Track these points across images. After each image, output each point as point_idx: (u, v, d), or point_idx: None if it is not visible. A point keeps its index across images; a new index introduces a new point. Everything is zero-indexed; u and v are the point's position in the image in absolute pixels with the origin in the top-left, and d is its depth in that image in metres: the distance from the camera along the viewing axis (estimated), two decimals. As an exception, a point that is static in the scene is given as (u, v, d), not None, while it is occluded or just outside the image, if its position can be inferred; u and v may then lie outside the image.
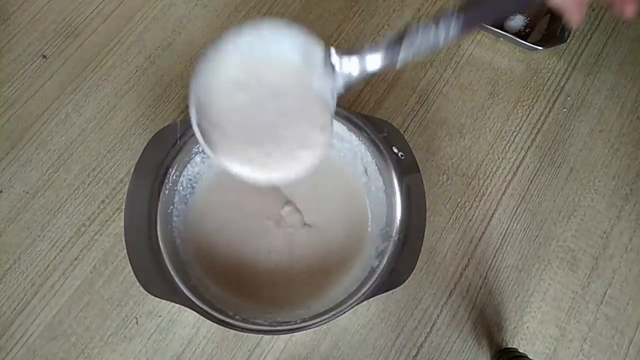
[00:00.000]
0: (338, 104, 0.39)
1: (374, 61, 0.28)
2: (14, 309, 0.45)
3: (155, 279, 0.38)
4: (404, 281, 0.38)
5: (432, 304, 0.46)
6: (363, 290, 0.39)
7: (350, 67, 0.29)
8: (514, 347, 0.45)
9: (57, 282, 0.46)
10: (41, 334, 0.45)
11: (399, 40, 0.27)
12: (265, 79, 0.31)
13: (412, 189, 0.41)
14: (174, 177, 0.43)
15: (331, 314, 0.38)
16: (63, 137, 0.51)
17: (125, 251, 0.47)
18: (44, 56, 0.55)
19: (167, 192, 0.42)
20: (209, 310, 0.38)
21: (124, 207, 0.40)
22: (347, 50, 0.29)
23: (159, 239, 0.40)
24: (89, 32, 0.56)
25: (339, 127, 0.44)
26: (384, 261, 0.40)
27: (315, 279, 0.44)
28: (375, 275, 0.39)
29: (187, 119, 0.42)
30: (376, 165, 0.43)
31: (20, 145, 0.51)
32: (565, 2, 0.27)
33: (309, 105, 0.31)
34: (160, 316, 0.45)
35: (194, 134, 0.41)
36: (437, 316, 0.46)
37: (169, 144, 0.42)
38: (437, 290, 0.47)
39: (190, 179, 0.45)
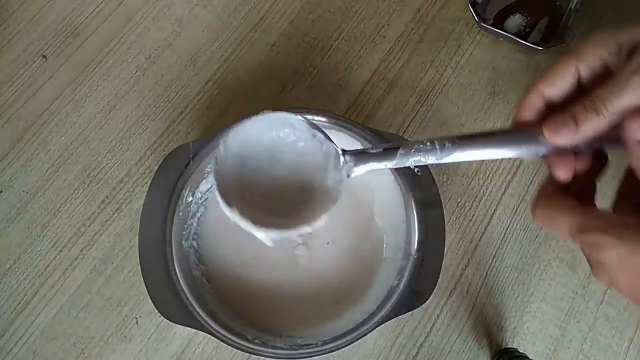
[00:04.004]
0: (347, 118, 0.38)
1: (370, 166, 0.30)
2: (14, 309, 0.45)
3: (172, 303, 0.37)
4: (425, 301, 0.37)
5: (432, 304, 0.46)
6: (383, 311, 0.38)
7: (352, 166, 0.31)
8: (514, 347, 0.45)
9: (57, 282, 0.46)
10: (41, 334, 0.45)
11: (393, 151, 0.29)
12: (283, 159, 0.32)
13: (430, 206, 0.41)
14: (188, 199, 0.42)
15: (352, 335, 0.37)
16: (63, 137, 0.51)
17: (125, 251, 0.47)
18: (44, 56, 0.55)
19: (180, 214, 0.41)
20: (228, 335, 0.37)
21: (138, 230, 0.39)
22: (351, 153, 0.31)
23: (175, 262, 0.39)
24: (89, 32, 0.56)
25: (352, 144, 0.43)
26: (404, 280, 0.39)
27: (335, 300, 0.43)
28: (395, 295, 0.38)
29: (200, 139, 0.42)
30: (393, 182, 0.43)
31: (20, 145, 0.51)
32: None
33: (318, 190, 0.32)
34: (160, 316, 0.45)
35: (207, 154, 0.42)
36: (437, 316, 0.46)
37: (182, 164, 0.41)
38: (437, 290, 0.46)
39: (203, 200, 0.44)
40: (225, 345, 0.37)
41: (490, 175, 0.51)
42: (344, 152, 0.30)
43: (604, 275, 0.23)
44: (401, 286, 0.39)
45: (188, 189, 0.42)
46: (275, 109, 0.41)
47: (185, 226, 0.42)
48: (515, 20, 0.55)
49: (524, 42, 0.52)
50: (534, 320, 0.46)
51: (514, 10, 0.55)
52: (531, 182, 0.50)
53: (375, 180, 0.45)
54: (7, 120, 0.52)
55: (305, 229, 0.30)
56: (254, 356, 0.43)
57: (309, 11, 0.57)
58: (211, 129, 0.51)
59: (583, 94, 0.27)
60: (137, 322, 0.45)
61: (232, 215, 0.29)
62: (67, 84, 0.53)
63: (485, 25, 0.53)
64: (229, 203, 0.29)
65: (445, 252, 0.44)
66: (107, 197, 0.49)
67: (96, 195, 0.49)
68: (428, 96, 0.53)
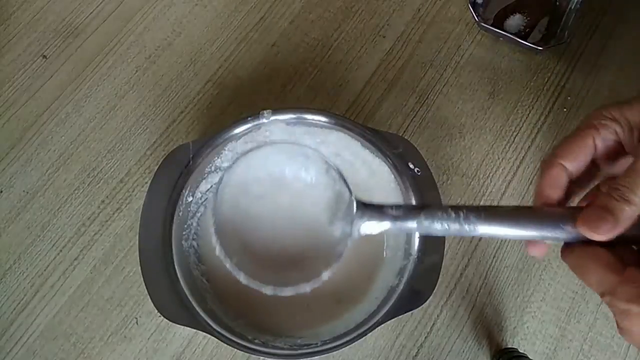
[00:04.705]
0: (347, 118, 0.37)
1: (383, 226, 0.28)
2: (14, 309, 0.45)
3: (172, 303, 0.37)
4: (425, 300, 0.37)
5: (432, 304, 0.46)
6: (383, 311, 0.38)
7: (365, 223, 0.29)
8: (514, 347, 0.45)
9: (57, 282, 0.46)
10: (41, 334, 0.45)
11: (413, 214, 0.28)
12: (289, 187, 0.31)
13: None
14: (188, 199, 0.42)
15: (352, 335, 0.37)
16: (63, 137, 0.51)
17: (125, 251, 0.47)
18: (44, 56, 0.55)
19: (180, 214, 0.41)
20: (228, 335, 0.37)
21: (138, 230, 0.39)
22: (367, 207, 0.28)
23: (175, 262, 0.39)
24: (89, 32, 0.56)
25: (353, 145, 0.43)
26: (404, 280, 0.39)
27: (335, 300, 0.42)
28: (395, 295, 0.38)
29: (200, 139, 0.42)
30: (393, 183, 0.43)
31: (20, 145, 0.51)
32: None
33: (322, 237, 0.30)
34: (160, 316, 0.45)
35: (206, 154, 0.42)
36: (437, 316, 0.46)
37: (182, 164, 0.41)
38: (437, 290, 0.46)
39: (203, 200, 0.44)
40: (225, 345, 0.37)
41: (490, 175, 0.51)
42: (359, 202, 0.28)
43: (629, 339, 0.23)
44: (401, 286, 0.39)
45: (188, 189, 0.42)
46: (276, 109, 0.42)
47: (185, 226, 0.42)
48: (515, 20, 0.55)
49: (524, 42, 0.52)
50: (534, 320, 0.46)
51: (514, 10, 0.55)
52: (531, 182, 0.50)
53: (375, 180, 0.45)
54: (7, 120, 0.52)
55: (305, 288, 0.28)
56: (253, 356, 0.43)
57: (309, 11, 0.57)
58: (211, 129, 0.51)
59: (594, 167, 0.27)
60: (137, 322, 0.45)
61: (232, 270, 0.28)
62: (67, 84, 0.53)
63: (485, 25, 0.53)
64: (228, 253, 0.28)
65: (445, 252, 0.44)
66: (107, 197, 0.49)
67: (96, 195, 0.49)
68: (428, 96, 0.53)
